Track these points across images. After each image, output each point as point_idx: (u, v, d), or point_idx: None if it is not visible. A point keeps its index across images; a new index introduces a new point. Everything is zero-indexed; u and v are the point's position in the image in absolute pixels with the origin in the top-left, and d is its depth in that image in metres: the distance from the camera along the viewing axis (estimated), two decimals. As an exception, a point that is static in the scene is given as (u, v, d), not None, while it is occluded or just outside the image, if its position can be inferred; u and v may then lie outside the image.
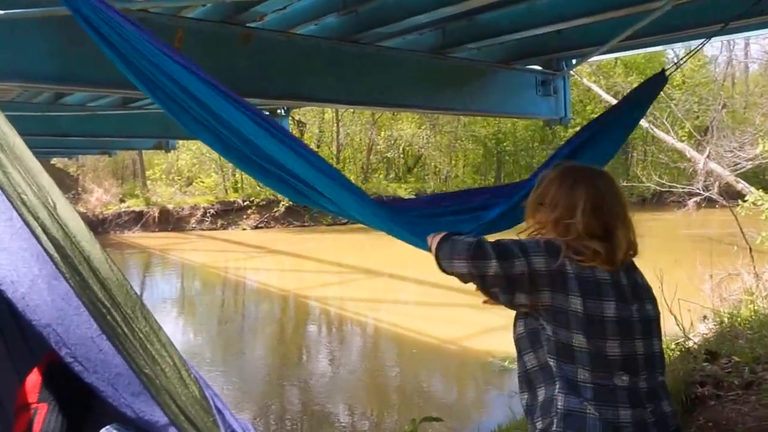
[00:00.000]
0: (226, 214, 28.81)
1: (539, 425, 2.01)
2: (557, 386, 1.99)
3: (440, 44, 6.13)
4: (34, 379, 1.49)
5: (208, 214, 28.47)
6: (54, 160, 27.20)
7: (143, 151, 28.92)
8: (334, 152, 34.08)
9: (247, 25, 5.35)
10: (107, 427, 1.34)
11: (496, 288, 2.07)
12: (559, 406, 1.96)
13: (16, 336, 1.66)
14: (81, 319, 1.26)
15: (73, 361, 1.25)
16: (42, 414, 1.43)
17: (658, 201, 30.47)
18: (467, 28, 5.85)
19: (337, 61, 5.75)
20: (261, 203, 29.14)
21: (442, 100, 6.70)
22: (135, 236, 26.56)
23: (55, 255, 1.28)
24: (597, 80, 19.99)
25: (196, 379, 1.49)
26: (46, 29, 4.32)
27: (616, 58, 25.80)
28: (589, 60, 6.92)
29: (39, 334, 1.25)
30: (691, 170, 14.89)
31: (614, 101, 15.08)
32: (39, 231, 1.29)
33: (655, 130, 13.87)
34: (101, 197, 29.49)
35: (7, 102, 8.83)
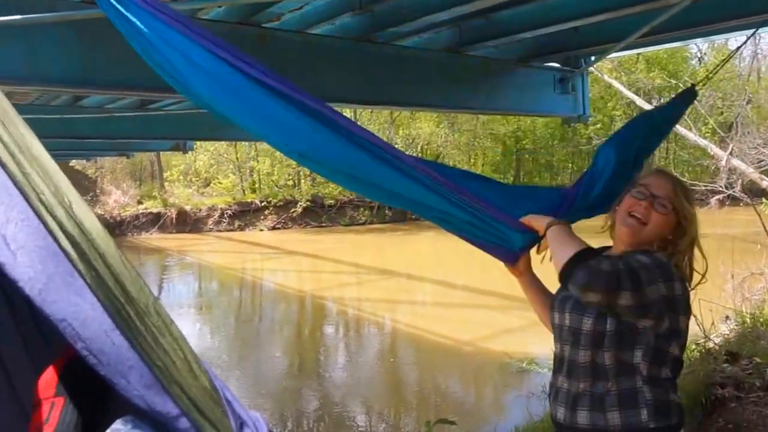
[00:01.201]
0: (244, 215, 28.87)
1: (618, 414, 2.11)
2: (640, 380, 2.12)
3: (457, 42, 6.09)
4: (50, 374, 1.51)
5: (225, 215, 28.54)
6: (72, 162, 27.43)
7: (161, 153, 29.12)
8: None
9: (263, 25, 5.35)
10: (122, 418, 1.36)
11: (623, 311, 2.07)
12: (648, 398, 2.10)
13: (33, 333, 1.70)
14: (95, 314, 1.29)
15: (88, 355, 1.27)
16: (59, 407, 1.46)
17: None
18: (484, 26, 5.82)
19: (353, 60, 5.73)
20: (278, 204, 29.19)
21: (458, 98, 6.67)
22: (152, 238, 26.70)
23: (72, 252, 1.30)
24: (618, 76, 19.67)
25: (206, 372, 1.51)
26: (63, 33, 4.35)
27: (638, 54, 25.43)
28: (608, 56, 6.86)
29: (55, 330, 1.27)
30: (714, 168, 14.63)
31: (636, 98, 14.85)
32: (56, 229, 1.30)
33: (678, 126, 13.45)
34: (119, 199, 29.70)
35: (26, 105, 8.94)
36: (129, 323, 1.33)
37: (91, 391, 1.50)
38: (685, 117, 14.56)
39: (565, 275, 2.10)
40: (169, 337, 1.43)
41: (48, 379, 1.51)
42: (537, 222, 2.40)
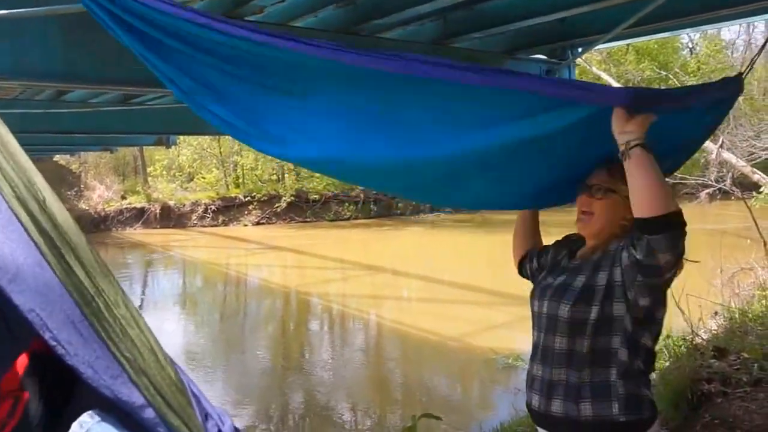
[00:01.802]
0: (228, 210, 28.76)
1: (590, 405, 2.14)
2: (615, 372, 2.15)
3: (442, 34, 6.03)
4: (15, 369, 1.55)
5: (209, 211, 28.43)
6: (57, 157, 27.21)
7: (144, 148, 28.99)
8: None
9: (246, 18, 5.28)
10: (88, 412, 1.39)
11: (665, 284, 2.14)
12: (620, 391, 2.13)
13: (1, 325, 1.72)
14: (64, 305, 1.32)
15: (56, 345, 1.30)
16: (23, 401, 1.50)
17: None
18: (469, 17, 5.75)
19: (336, 53, 5.65)
20: (262, 199, 29.10)
21: (444, 91, 6.59)
22: (137, 233, 26.59)
23: (42, 245, 1.34)
24: (607, 68, 19.52)
25: (171, 363, 1.57)
26: (48, 28, 4.33)
27: (628, 45, 25.31)
28: (595, 48, 6.80)
29: (23, 322, 1.31)
30: (704, 161, 14.49)
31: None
32: (28, 221, 1.35)
33: None
34: (103, 194, 29.51)
35: (10, 100, 8.91)
36: (98, 315, 1.37)
37: (57, 386, 1.54)
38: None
39: (654, 225, 1.91)
40: (136, 329, 1.48)
41: (13, 373, 1.54)
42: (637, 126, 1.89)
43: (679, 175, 14.58)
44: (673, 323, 6.26)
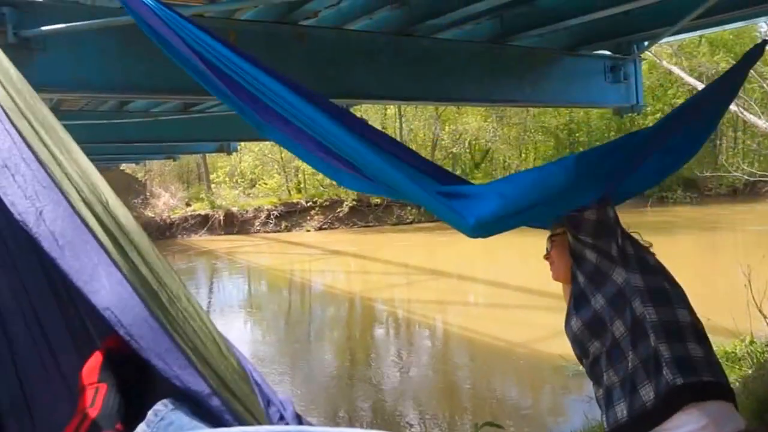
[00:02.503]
0: (290, 215, 29.01)
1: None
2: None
3: (499, 33, 5.88)
4: (94, 362, 1.65)
5: (272, 216, 28.73)
6: (123, 166, 27.94)
7: (207, 155, 29.51)
8: (398, 149, 33.80)
9: (300, 23, 5.26)
10: (162, 401, 1.44)
11: None
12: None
13: (76, 320, 1.88)
14: (134, 302, 1.39)
15: (130, 339, 1.37)
16: (102, 393, 1.58)
17: (751, 191, 29.15)
18: (527, 14, 5.58)
19: (392, 56, 5.57)
20: (324, 204, 29.25)
21: (502, 91, 6.44)
22: (201, 240, 27.03)
23: (110, 245, 1.41)
24: (678, 62, 18.67)
25: (234, 353, 1.66)
26: (106, 40, 4.40)
27: (700, 37, 24.20)
28: (662, 41, 6.51)
29: (99, 318, 1.38)
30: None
31: (698, 84, 13.93)
32: (95, 224, 1.42)
33: (746, 113, 12.38)
34: (168, 201, 30.17)
35: (76, 111, 9.24)
36: (163, 309, 1.45)
37: (133, 378, 1.64)
38: (754, 103, 13.71)
39: None
40: (198, 321, 1.56)
41: (92, 366, 1.64)
42: None
43: (760, 173, 13.79)
44: (756, 328, 5.94)
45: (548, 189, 2.27)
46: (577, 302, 2.29)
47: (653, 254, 2.33)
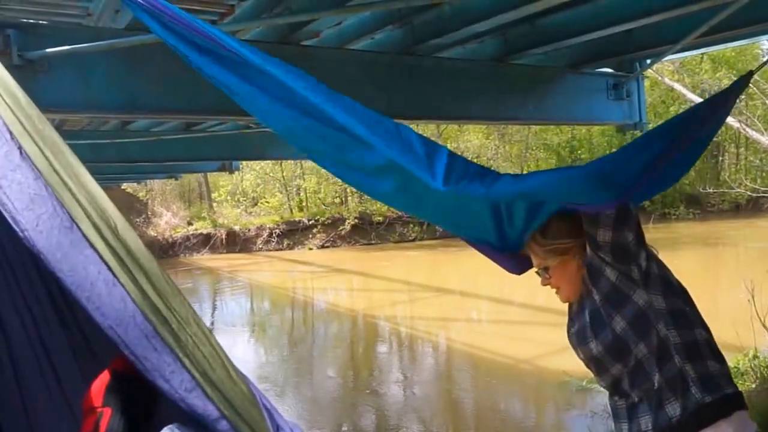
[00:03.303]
0: (292, 233, 28.97)
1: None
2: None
3: (502, 52, 5.90)
4: (98, 385, 1.66)
5: (274, 235, 28.69)
6: (124, 185, 27.98)
7: (208, 174, 29.53)
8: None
9: (303, 43, 5.28)
10: (168, 426, 1.46)
11: None
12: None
13: (81, 343, 1.92)
14: (136, 321, 1.39)
15: (135, 360, 1.37)
16: (106, 417, 1.60)
17: (753, 207, 29.16)
18: (530, 32, 5.61)
19: (395, 74, 5.59)
20: (326, 222, 29.21)
21: (505, 109, 6.46)
22: (204, 258, 26.99)
23: (115, 265, 1.42)
24: (680, 78, 18.64)
25: (243, 378, 1.66)
26: (110, 61, 4.44)
27: (702, 54, 24.18)
28: (665, 59, 6.53)
29: (103, 338, 1.40)
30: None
31: (700, 100, 13.83)
32: (102, 246, 1.43)
33: (748, 129, 12.34)
34: (170, 220, 30.15)
35: (78, 131, 9.24)
36: (171, 332, 1.45)
37: (138, 403, 1.65)
38: (757, 120, 13.68)
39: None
40: (208, 346, 1.57)
41: (97, 388, 1.66)
42: None
43: (763, 189, 13.74)
44: (759, 343, 5.93)
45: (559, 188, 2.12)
46: (593, 322, 2.24)
47: (672, 273, 2.30)
